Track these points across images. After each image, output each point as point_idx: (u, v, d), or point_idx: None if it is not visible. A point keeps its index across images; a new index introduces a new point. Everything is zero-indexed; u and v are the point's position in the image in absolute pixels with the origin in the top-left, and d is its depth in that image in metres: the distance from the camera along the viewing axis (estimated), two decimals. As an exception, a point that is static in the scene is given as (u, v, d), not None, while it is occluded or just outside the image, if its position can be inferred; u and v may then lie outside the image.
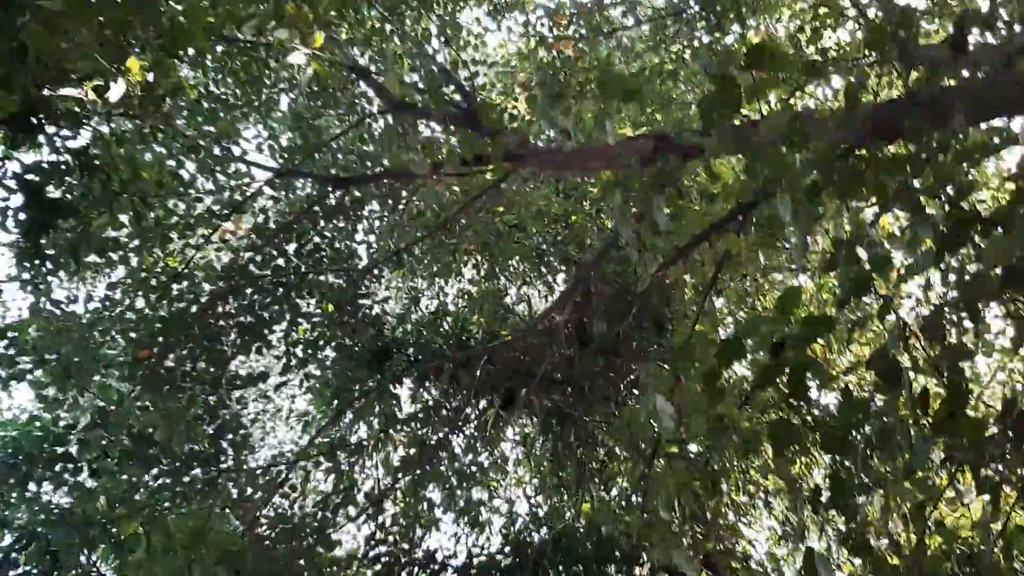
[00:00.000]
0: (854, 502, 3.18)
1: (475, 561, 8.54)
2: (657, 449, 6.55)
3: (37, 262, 6.60)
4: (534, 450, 10.74)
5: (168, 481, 7.52)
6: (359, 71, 9.11)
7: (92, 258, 8.46)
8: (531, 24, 10.51)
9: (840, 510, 3.23)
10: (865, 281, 2.75)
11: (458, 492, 9.55)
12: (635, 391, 10.73)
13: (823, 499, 3.38)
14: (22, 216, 6.44)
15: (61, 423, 8.40)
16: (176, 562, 5.01)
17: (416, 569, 8.25)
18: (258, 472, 8.66)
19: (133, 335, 8.39)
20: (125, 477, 8.01)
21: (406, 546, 8.18)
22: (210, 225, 8.79)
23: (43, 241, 6.53)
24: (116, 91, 4.68)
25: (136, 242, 7.52)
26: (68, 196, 6.74)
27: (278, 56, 8.84)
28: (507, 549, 8.62)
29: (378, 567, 8.12)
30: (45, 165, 6.59)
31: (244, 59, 8.78)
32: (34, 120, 6.52)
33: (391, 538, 8.20)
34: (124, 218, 7.00)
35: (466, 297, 11.24)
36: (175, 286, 8.43)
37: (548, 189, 10.78)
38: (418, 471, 9.64)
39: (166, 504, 8.14)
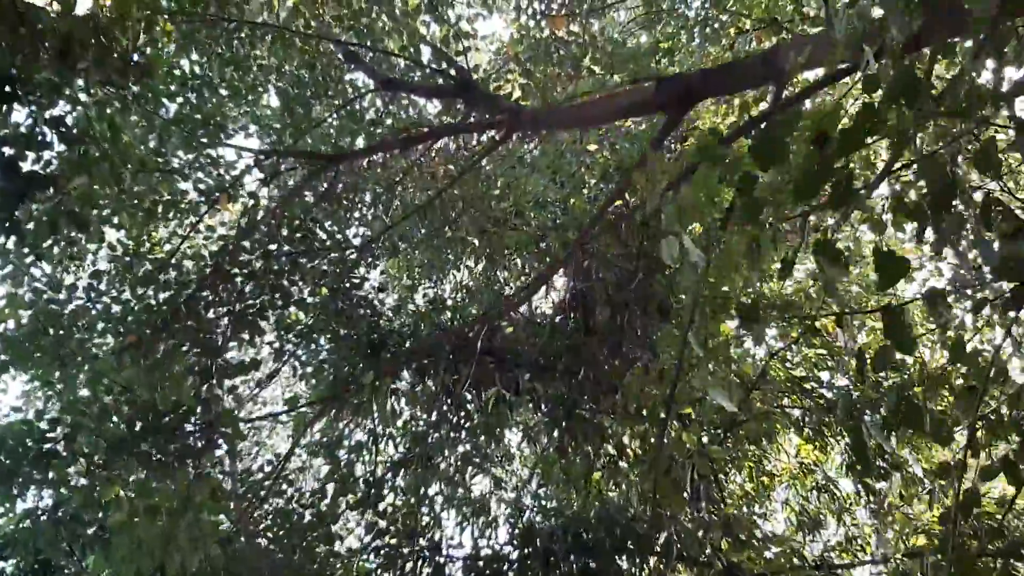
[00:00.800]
0: (908, 336, 2.83)
1: (482, 553, 8.17)
2: (670, 410, 6.22)
3: (13, 236, 6.30)
4: (539, 442, 10.37)
5: (159, 475, 7.15)
6: (348, 55, 8.91)
7: (76, 249, 8.23)
8: (522, 9, 10.33)
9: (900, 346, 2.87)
10: (912, 80, 2.43)
11: (460, 489, 9.19)
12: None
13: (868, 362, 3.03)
14: (-4, 186, 6.18)
15: (46, 417, 8.05)
16: (160, 527, 4.68)
17: (420, 562, 7.87)
18: (254, 470, 8.33)
19: (121, 328, 8.10)
20: (117, 473, 7.65)
21: (409, 535, 7.80)
22: (197, 212, 8.54)
23: (18, 213, 6.24)
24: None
25: (118, 218, 7.22)
26: (45, 169, 6.49)
27: (263, 38, 8.65)
28: (515, 541, 8.24)
29: (380, 559, 7.74)
30: (21, 134, 6.35)
31: (228, 42, 8.59)
32: (9, 90, 6.30)
33: (393, 528, 7.82)
34: (105, 194, 6.76)
35: (464, 290, 10.95)
36: (162, 276, 8.16)
37: (544, 178, 10.55)
38: (418, 468, 9.31)
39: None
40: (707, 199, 2.93)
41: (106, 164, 5.90)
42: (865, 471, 3.12)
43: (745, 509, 10.29)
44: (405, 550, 7.74)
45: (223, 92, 9.03)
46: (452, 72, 8.02)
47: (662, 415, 6.07)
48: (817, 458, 10.58)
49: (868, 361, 3.23)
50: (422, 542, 7.84)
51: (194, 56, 8.65)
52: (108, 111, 6.04)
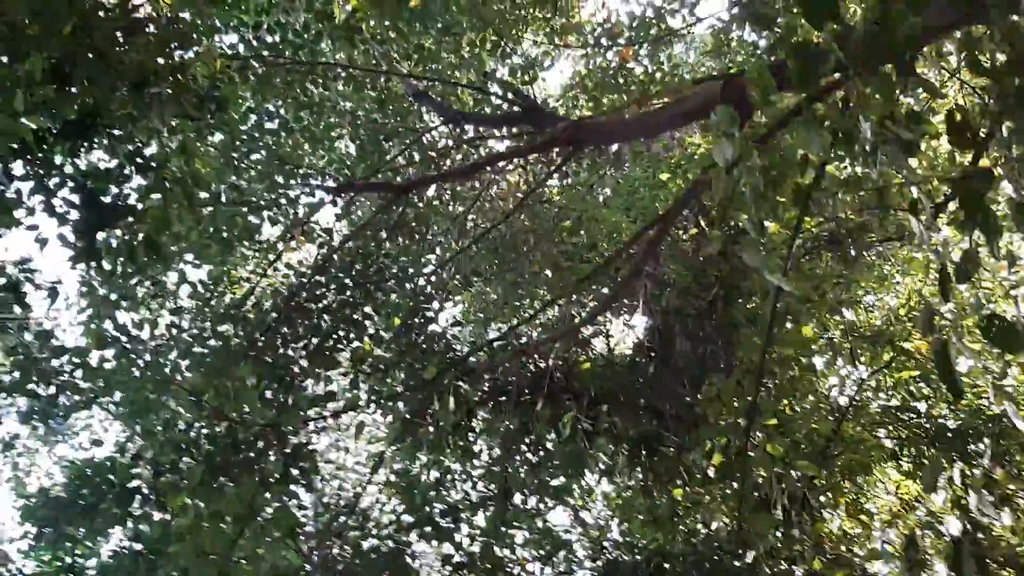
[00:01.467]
0: (993, 220, 2.54)
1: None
2: (752, 422, 5.92)
3: (92, 263, 6.49)
4: (620, 481, 10.04)
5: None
6: (417, 94, 9.07)
7: (158, 288, 8.45)
8: (591, 46, 10.39)
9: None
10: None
11: (539, 523, 8.93)
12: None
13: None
14: (76, 215, 6.41)
15: (129, 454, 8.16)
16: (226, 535, 4.61)
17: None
18: (329, 502, 8.25)
19: (201, 366, 8.22)
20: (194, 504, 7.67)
21: (488, 571, 7.56)
22: (274, 250, 8.70)
23: (98, 242, 6.45)
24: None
25: (195, 252, 7.37)
26: (124, 201, 6.70)
27: (335, 79, 8.87)
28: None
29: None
30: (101, 168, 6.61)
31: (302, 85, 8.83)
32: (90, 125, 6.58)
33: (470, 561, 7.60)
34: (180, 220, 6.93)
35: (539, 327, 10.80)
36: (240, 311, 8.29)
37: (618, 209, 10.45)
38: (496, 506, 9.11)
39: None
40: (762, 94, 2.77)
41: (179, 188, 6.04)
42: (954, 390, 2.78)
43: (843, 548, 9.71)
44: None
45: (300, 137, 9.27)
46: (519, 101, 8.06)
47: (744, 424, 5.78)
48: (919, 494, 9.95)
49: (951, 273, 2.93)
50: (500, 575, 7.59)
51: (268, 100, 8.91)
52: (182, 137, 6.21)
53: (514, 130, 8.21)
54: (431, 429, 9.32)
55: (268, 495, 5.52)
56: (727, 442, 6.19)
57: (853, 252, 8.29)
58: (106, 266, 6.55)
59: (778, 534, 6.77)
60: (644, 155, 10.89)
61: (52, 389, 7.57)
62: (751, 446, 5.96)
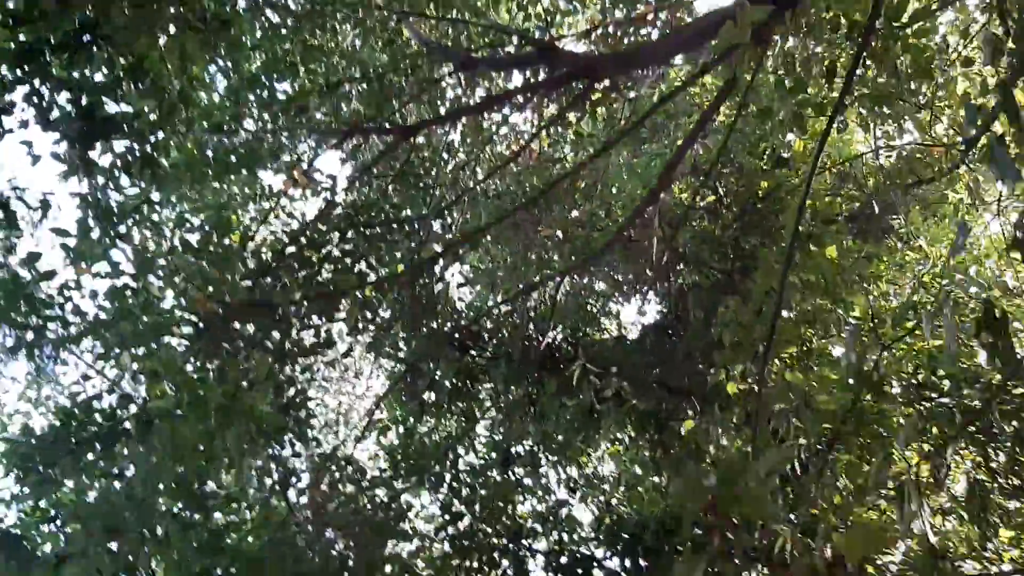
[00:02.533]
0: None
1: (565, 549, 7.50)
2: (771, 347, 5.58)
3: (88, 176, 6.24)
4: (628, 456, 9.68)
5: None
6: (427, 42, 8.84)
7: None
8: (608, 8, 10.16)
9: None
10: None
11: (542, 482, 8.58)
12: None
13: None
14: (71, 128, 6.16)
15: (117, 394, 7.82)
16: (206, 427, 4.29)
17: (496, 553, 7.24)
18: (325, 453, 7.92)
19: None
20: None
21: (488, 521, 7.20)
22: (276, 197, 8.45)
23: (93, 152, 6.20)
24: None
25: (192, 172, 7.07)
26: (124, 119, 6.46)
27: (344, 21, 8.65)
28: (601, 535, 7.56)
29: (455, 546, 7.14)
30: (99, 84, 6.37)
31: (311, 29, 8.59)
32: (89, 38, 6.36)
33: (469, 511, 7.24)
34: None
35: (548, 296, 10.48)
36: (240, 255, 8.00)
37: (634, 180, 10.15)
38: (500, 477, 8.76)
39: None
40: None
41: (177, 91, 5.79)
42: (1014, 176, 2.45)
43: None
44: (481, 536, 7.13)
45: (307, 82, 9.00)
46: (534, 43, 7.82)
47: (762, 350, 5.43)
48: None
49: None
50: (499, 528, 7.22)
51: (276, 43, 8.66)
52: (182, 44, 5.97)
53: (528, 74, 7.95)
54: (433, 391, 9.02)
55: (253, 391, 5.19)
56: (743, 371, 5.85)
57: (878, 209, 7.96)
58: (100, 181, 6.31)
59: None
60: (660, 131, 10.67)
61: (39, 320, 7.27)
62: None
